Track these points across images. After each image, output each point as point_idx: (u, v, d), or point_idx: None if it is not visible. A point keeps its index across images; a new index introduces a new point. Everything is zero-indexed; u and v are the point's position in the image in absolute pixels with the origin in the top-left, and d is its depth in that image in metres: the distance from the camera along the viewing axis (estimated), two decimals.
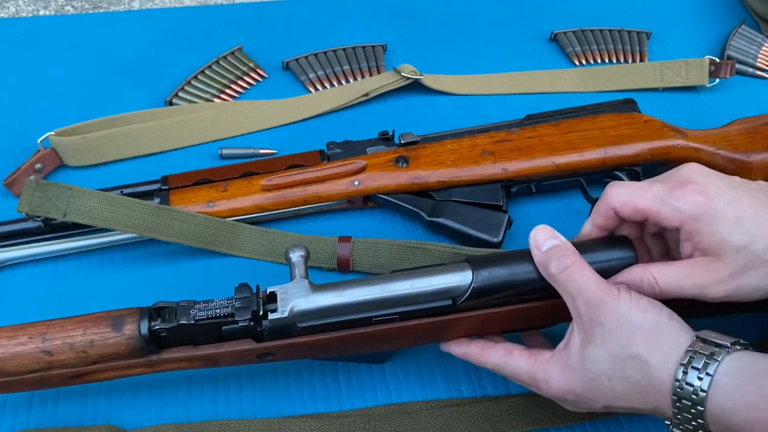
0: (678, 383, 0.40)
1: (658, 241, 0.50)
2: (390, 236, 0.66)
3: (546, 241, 0.46)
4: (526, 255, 0.47)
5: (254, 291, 0.47)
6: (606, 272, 0.46)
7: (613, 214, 0.46)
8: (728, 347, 0.39)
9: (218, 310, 0.46)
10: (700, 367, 0.39)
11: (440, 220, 0.64)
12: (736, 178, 0.44)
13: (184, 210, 0.62)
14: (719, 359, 0.39)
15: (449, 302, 0.47)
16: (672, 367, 0.40)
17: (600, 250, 0.47)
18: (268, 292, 0.48)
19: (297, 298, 0.47)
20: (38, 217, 0.60)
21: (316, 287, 0.47)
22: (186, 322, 0.45)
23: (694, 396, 0.39)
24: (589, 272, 0.44)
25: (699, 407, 0.39)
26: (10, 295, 0.62)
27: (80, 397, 0.55)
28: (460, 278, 0.47)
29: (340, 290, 0.47)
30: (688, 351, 0.40)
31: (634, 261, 0.47)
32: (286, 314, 0.46)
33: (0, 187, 0.68)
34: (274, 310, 0.46)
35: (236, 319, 0.46)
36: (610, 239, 0.48)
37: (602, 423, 0.55)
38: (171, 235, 0.61)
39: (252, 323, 0.47)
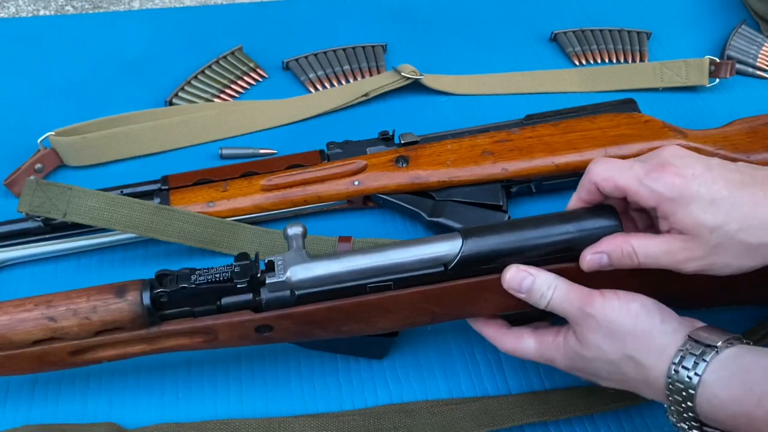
0: (670, 380, 0.42)
1: (643, 215, 0.51)
2: (390, 236, 0.66)
3: (522, 283, 0.47)
4: (516, 224, 0.49)
5: (253, 259, 0.48)
6: (590, 239, 0.48)
7: (596, 189, 0.48)
8: (716, 347, 0.41)
9: (218, 275, 0.47)
10: (689, 366, 0.41)
11: (440, 220, 0.64)
12: (714, 160, 0.45)
13: (184, 210, 0.62)
14: (708, 359, 0.41)
15: (441, 269, 0.48)
16: (664, 367, 0.43)
17: (586, 218, 0.48)
18: (267, 261, 0.49)
19: (294, 266, 0.48)
20: (38, 217, 0.60)
21: (313, 256, 0.48)
22: (186, 285, 0.46)
23: (684, 393, 0.41)
24: (570, 293, 0.46)
25: (689, 403, 0.41)
26: (10, 295, 0.61)
27: (81, 396, 0.55)
28: (451, 246, 0.48)
29: (337, 258, 0.48)
30: (679, 351, 0.42)
31: (619, 229, 0.48)
32: (283, 278, 0.47)
33: (0, 187, 0.68)
34: (272, 277, 0.47)
35: (235, 282, 0.47)
36: (597, 208, 0.49)
37: (601, 420, 0.55)
38: (171, 235, 0.61)
39: (251, 294, 0.48)
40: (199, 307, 0.48)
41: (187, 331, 0.48)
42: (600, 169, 0.47)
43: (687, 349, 0.42)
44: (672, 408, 0.43)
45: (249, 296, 0.48)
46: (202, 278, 0.47)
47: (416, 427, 0.53)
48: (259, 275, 0.48)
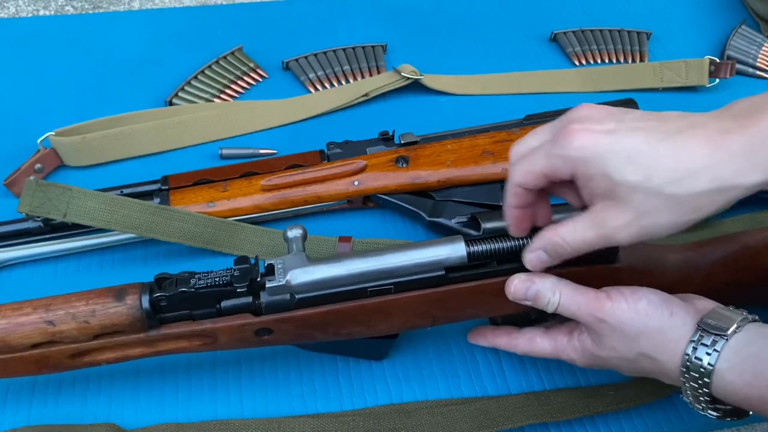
0: (685, 370, 0.43)
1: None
2: (390, 236, 0.66)
3: (527, 292, 0.47)
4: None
5: (252, 262, 0.48)
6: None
7: (523, 191, 0.44)
8: (726, 336, 0.41)
9: (217, 279, 0.47)
10: (702, 357, 0.42)
11: (440, 220, 0.64)
12: (627, 111, 0.41)
13: (184, 210, 0.62)
14: (719, 349, 0.41)
15: (442, 272, 0.48)
16: (678, 361, 0.43)
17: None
18: (266, 264, 0.49)
19: (294, 269, 0.47)
20: (38, 217, 0.60)
21: (313, 260, 0.48)
22: (186, 290, 0.46)
23: (699, 381, 0.42)
24: (576, 297, 0.46)
25: (705, 389, 0.42)
26: (10, 296, 0.61)
27: (81, 397, 0.55)
28: (451, 249, 0.48)
29: (337, 261, 0.48)
30: (690, 343, 0.42)
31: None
32: (283, 282, 0.47)
33: (0, 187, 0.68)
34: (272, 281, 0.47)
35: (235, 286, 0.46)
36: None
37: (601, 420, 0.55)
38: (171, 235, 0.61)
39: (250, 297, 0.47)
40: (198, 310, 0.48)
41: (186, 334, 0.48)
42: (517, 172, 0.43)
43: (698, 339, 0.42)
44: (688, 392, 0.43)
45: (249, 299, 0.48)
46: (201, 282, 0.47)
47: (416, 427, 0.53)
48: (258, 279, 0.48)
